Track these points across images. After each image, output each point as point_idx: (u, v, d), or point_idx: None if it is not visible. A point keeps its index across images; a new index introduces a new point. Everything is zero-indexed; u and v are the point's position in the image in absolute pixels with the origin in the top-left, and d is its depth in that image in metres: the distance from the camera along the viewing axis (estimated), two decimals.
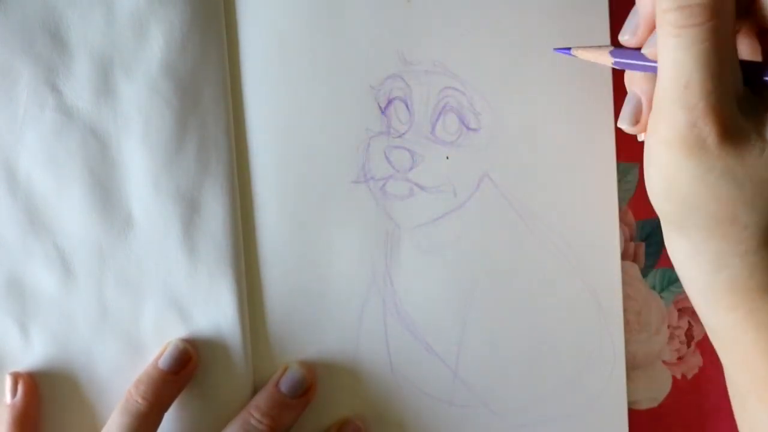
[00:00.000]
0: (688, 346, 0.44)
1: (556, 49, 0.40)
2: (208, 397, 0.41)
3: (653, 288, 0.44)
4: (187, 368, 0.40)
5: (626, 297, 0.43)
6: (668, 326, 0.44)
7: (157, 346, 0.41)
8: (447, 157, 0.42)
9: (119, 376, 0.41)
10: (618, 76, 0.42)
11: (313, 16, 0.42)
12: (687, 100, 0.30)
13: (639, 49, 0.35)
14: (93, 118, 0.41)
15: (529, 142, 0.42)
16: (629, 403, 0.43)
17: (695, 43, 0.30)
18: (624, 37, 0.35)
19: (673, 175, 0.32)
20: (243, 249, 0.41)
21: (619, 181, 0.43)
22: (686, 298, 0.44)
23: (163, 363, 0.40)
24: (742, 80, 0.31)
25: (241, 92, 0.42)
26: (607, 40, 0.42)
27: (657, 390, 0.44)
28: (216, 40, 0.41)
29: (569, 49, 0.38)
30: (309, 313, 0.42)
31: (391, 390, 0.42)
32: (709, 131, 0.30)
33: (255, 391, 0.42)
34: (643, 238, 0.44)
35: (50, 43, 0.40)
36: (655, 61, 0.33)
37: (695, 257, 0.34)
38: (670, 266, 0.43)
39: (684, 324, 0.44)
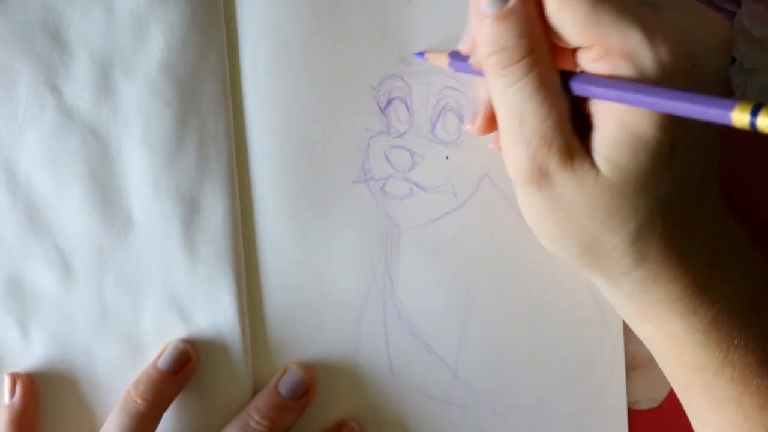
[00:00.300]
0: None
1: (416, 54, 0.42)
2: (207, 398, 0.41)
3: None
4: (186, 368, 0.40)
5: None
6: None
7: (156, 346, 0.41)
8: (447, 157, 0.42)
9: (119, 376, 0.41)
10: None
11: (313, 15, 0.42)
12: (524, 135, 0.32)
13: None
14: (93, 118, 0.41)
15: None
16: (629, 403, 0.43)
17: (519, 78, 0.32)
18: (460, 47, 0.38)
19: (535, 212, 0.34)
20: (243, 249, 0.41)
21: None
22: None
23: (162, 363, 0.40)
24: (569, 108, 0.33)
25: (241, 92, 0.42)
26: None
27: (657, 390, 0.44)
28: (216, 40, 0.41)
29: (422, 54, 0.41)
30: (309, 313, 0.42)
31: (391, 390, 0.42)
32: (549, 159, 0.32)
33: (255, 391, 0.42)
34: None
35: (50, 43, 0.40)
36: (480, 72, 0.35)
37: (595, 282, 0.36)
38: None
39: None
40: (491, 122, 0.37)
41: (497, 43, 0.32)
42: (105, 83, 0.40)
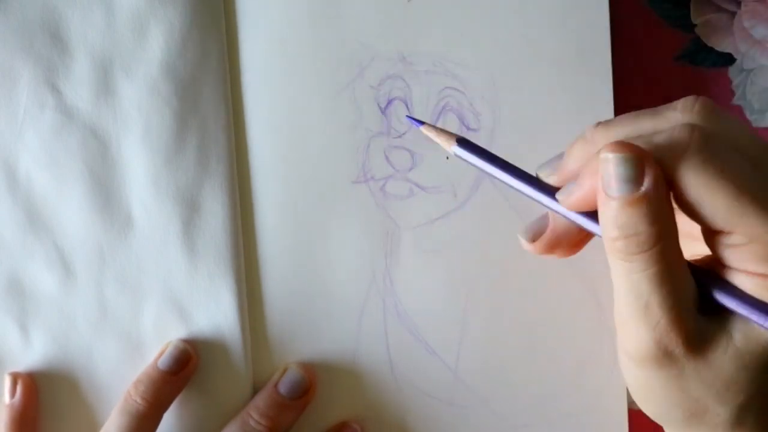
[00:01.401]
0: None
1: (407, 116, 0.41)
2: (207, 397, 0.41)
3: None
4: (186, 368, 0.40)
5: None
6: None
7: (156, 346, 0.41)
8: (447, 158, 0.42)
9: (119, 376, 0.41)
10: (618, 75, 0.43)
11: (312, 15, 0.42)
12: (649, 320, 0.30)
13: (555, 189, 0.34)
14: (93, 118, 0.41)
15: (529, 142, 0.42)
16: (629, 403, 0.43)
17: (648, 267, 0.30)
18: (543, 171, 0.35)
19: (648, 385, 0.32)
20: (243, 249, 0.41)
21: None
22: None
23: (162, 363, 0.40)
24: (696, 289, 0.31)
25: (241, 92, 0.42)
26: (607, 40, 0.42)
27: None
28: (216, 40, 0.41)
29: (421, 123, 0.36)
30: (309, 313, 0.42)
31: (391, 390, 0.42)
32: (675, 344, 0.30)
33: (255, 391, 0.42)
34: None
35: (50, 43, 0.40)
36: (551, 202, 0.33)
37: None
38: None
39: None
40: (554, 246, 0.35)
41: (625, 229, 0.29)
42: (105, 83, 0.40)
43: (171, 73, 0.40)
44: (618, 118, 0.33)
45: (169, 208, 0.41)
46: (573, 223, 0.33)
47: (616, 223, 0.30)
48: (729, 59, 0.46)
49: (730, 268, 0.31)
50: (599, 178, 0.30)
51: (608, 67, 0.42)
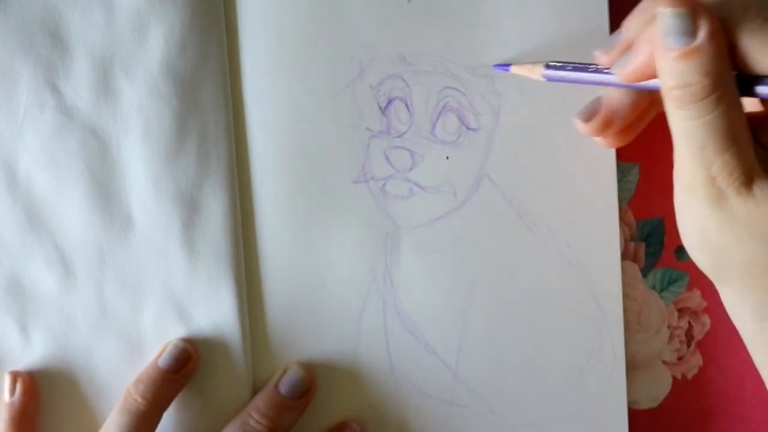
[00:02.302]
0: (688, 346, 0.44)
1: (495, 65, 0.41)
2: (207, 397, 0.41)
3: (653, 288, 0.44)
4: (186, 368, 0.40)
5: (626, 297, 0.43)
6: (668, 326, 0.44)
7: (156, 346, 0.41)
8: (447, 158, 0.42)
9: (118, 376, 0.41)
10: None
11: (313, 15, 0.42)
12: (704, 160, 0.32)
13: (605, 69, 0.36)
14: (93, 118, 0.41)
15: (529, 142, 0.42)
16: (629, 403, 0.43)
17: (703, 115, 0.31)
18: (597, 54, 0.37)
19: (701, 223, 0.33)
20: (243, 249, 0.41)
21: (619, 181, 0.43)
22: (686, 298, 0.44)
23: (162, 362, 0.40)
24: (751, 138, 0.33)
25: (241, 92, 0.42)
26: (607, 38, 0.42)
27: (657, 390, 0.44)
28: (216, 40, 0.41)
29: (508, 65, 0.41)
30: (309, 313, 0.42)
31: (391, 390, 0.42)
32: (727, 185, 0.32)
33: (255, 391, 0.42)
34: (643, 238, 0.44)
35: (50, 43, 0.40)
36: (610, 78, 0.35)
37: (738, 307, 0.35)
38: (670, 266, 0.44)
39: (684, 324, 0.44)
40: (607, 125, 0.37)
41: (681, 79, 0.31)
42: (105, 83, 0.40)
43: (171, 73, 0.40)
44: None
45: (169, 208, 0.41)
46: (633, 87, 0.35)
47: (672, 74, 0.31)
48: None
49: None
50: (657, 33, 0.31)
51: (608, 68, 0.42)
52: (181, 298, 0.41)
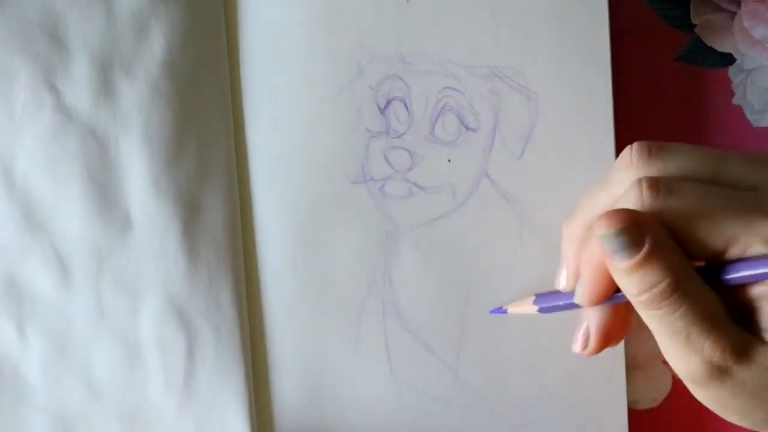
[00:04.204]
0: None
1: (492, 311, 0.42)
2: (207, 398, 0.41)
3: None
4: None
5: None
6: None
7: (155, 348, 0.41)
8: (449, 160, 0.42)
9: (117, 378, 0.41)
10: (618, 75, 0.43)
11: (312, 15, 0.42)
12: (694, 346, 0.32)
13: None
14: (92, 118, 0.40)
15: (529, 142, 0.42)
16: (629, 403, 0.43)
17: (678, 308, 0.32)
18: (560, 286, 0.38)
19: (720, 401, 0.34)
20: (243, 249, 0.41)
21: None
22: None
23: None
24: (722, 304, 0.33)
25: (241, 92, 0.42)
26: (607, 40, 0.42)
27: (657, 390, 0.44)
28: (216, 40, 0.41)
29: (504, 309, 0.42)
30: (309, 313, 0.42)
31: (391, 390, 0.42)
32: (725, 360, 0.32)
33: (253, 391, 0.42)
34: None
35: (49, 42, 0.40)
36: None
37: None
38: None
39: None
40: (606, 339, 0.37)
41: (643, 285, 0.32)
42: (105, 83, 0.40)
43: (172, 72, 0.40)
44: (577, 206, 0.36)
45: (169, 209, 0.41)
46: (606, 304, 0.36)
47: (633, 284, 0.32)
48: (729, 59, 0.46)
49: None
50: (604, 253, 0.32)
51: (608, 67, 0.42)
52: (181, 299, 0.41)
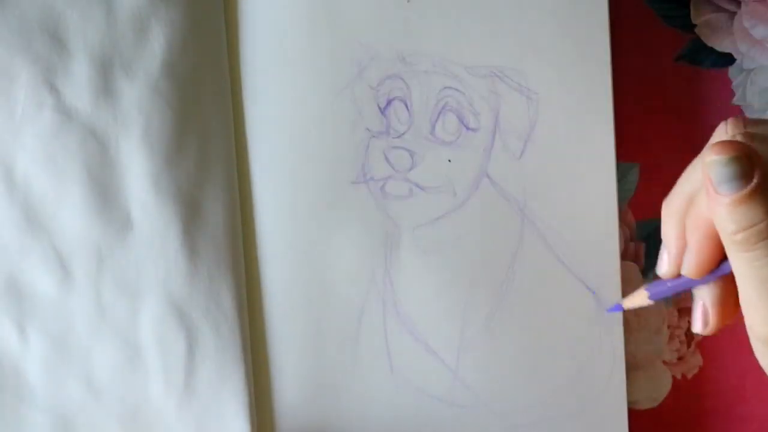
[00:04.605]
0: (688, 346, 0.44)
1: (609, 309, 0.41)
2: (207, 398, 0.41)
3: None
4: None
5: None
6: (668, 326, 0.44)
7: (155, 348, 0.41)
8: (449, 160, 0.42)
9: (117, 378, 0.41)
10: (618, 75, 0.43)
11: (312, 15, 0.42)
12: None
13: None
14: (92, 118, 0.40)
15: (529, 141, 0.42)
16: (629, 403, 0.43)
17: None
18: (661, 271, 0.36)
19: None
20: (243, 249, 0.41)
21: (619, 181, 0.43)
22: (686, 299, 0.44)
23: None
24: None
25: (241, 92, 0.42)
26: (607, 40, 0.42)
27: (657, 390, 0.44)
28: (216, 40, 0.41)
29: (620, 306, 0.40)
30: (309, 313, 0.42)
31: (391, 390, 0.42)
32: None
33: (253, 391, 0.42)
34: (643, 238, 0.44)
35: (49, 43, 0.40)
36: (692, 281, 0.35)
37: None
38: None
39: (684, 324, 0.44)
40: (724, 316, 0.36)
41: (743, 222, 0.31)
42: (105, 83, 0.40)
43: (172, 72, 0.40)
44: (676, 185, 0.34)
45: (169, 209, 0.41)
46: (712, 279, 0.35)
47: (732, 219, 0.31)
48: (729, 59, 0.46)
49: None
50: (707, 181, 0.31)
51: (608, 67, 0.42)
52: (181, 299, 0.41)
